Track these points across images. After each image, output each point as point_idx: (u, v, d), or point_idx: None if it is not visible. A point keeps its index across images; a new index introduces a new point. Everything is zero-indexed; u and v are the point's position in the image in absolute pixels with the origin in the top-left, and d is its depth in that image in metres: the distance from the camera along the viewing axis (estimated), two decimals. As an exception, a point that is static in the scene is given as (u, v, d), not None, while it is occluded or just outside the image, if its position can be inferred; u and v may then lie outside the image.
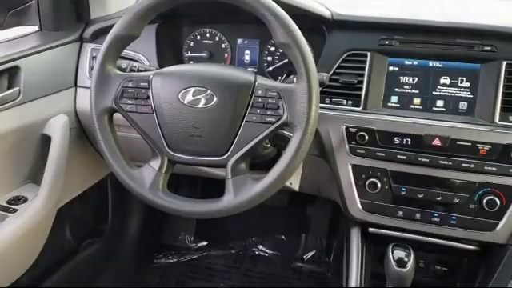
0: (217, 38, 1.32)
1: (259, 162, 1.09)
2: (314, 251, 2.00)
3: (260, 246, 2.05)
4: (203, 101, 0.92)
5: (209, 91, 0.92)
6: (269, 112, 0.89)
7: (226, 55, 1.32)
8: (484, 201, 1.03)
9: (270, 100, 0.90)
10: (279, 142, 1.05)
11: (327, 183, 1.20)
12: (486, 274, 1.12)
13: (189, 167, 1.00)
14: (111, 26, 0.96)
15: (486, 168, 1.02)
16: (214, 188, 1.01)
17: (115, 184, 1.71)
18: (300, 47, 0.86)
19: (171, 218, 2.06)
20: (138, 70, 1.12)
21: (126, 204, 1.87)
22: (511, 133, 1.01)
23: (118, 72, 0.98)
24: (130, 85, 0.96)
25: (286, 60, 1.26)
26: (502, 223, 1.03)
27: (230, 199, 0.91)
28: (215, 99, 0.91)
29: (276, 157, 1.09)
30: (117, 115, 0.98)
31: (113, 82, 0.96)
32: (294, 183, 1.29)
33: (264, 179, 0.89)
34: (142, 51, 1.27)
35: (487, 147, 1.02)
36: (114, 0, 1.44)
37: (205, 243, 2.08)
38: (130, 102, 0.96)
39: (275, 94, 0.89)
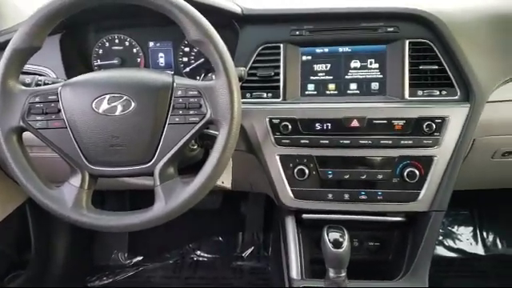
0: (127, 43, 1.27)
1: (188, 166, 1.07)
2: (252, 248, 2.01)
3: (198, 252, 2.02)
4: (120, 108, 0.88)
5: (125, 97, 0.88)
6: (191, 112, 0.88)
7: (138, 60, 1.28)
8: (405, 173, 1.09)
9: (191, 99, 0.88)
10: (206, 141, 1.04)
11: (258, 177, 1.21)
12: (414, 243, 1.19)
13: (113, 180, 0.95)
14: (9, 41, 0.89)
15: (402, 142, 1.08)
16: (144, 199, 0.97)
17: (35, 209, 1.60)
18: (214, 42, 0.85)
19: (101, 236, 1.97)
20: (45, 84, 1.04)
21: (50, 228, 1.75)
22: (421, 106, 1.08)
23: (23, 88, 0.91)
24: (38, 100, 0.89)
25: (203, 59, 1.24)
26: (423, 192, 1.10)
27: (161, 206, 0.87)
28: (133, 105, 0.88)
29: (204, 158, 1.07)
30: (28, 135, 0.91)
31: (18, 99, 0.89)
32: (226, 182, 1.28)
33: (194, 181, 0.87)
34: (47, 64, 1.19)
35: (401, 122, 1.08)
36: (10, 13, 1.33)
37: (140, 258, 2.01)
38: (39, 118, 0.89)
39: (196, 92, 0.88)
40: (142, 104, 0.88)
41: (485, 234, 1.88)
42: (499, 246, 1.86)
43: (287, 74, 1.13)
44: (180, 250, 2.01)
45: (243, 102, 1.08)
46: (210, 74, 1.05)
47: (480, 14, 1.12)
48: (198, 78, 1.23)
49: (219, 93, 0.86)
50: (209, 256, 2.01)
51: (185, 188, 0.87)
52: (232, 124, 0.86)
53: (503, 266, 1.79)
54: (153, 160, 0.89)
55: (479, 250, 1.87)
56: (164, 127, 0.88)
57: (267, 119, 1.11)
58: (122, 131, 0.88)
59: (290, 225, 1.21)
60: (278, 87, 1.13)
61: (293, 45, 1.14)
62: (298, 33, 1.13)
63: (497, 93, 1.09)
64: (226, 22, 1.16)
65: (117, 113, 0.87)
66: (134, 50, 1.27)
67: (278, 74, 1.13)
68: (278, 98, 1.13)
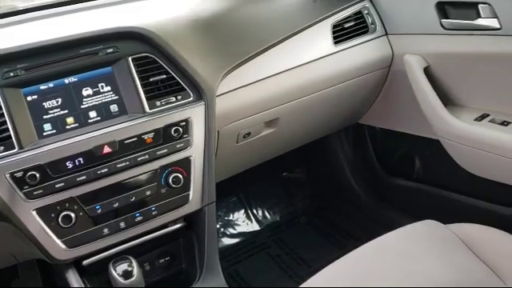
0: None
1: None
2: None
3: None
4: None
5: None
6: None
7: None
8: (170, 181, 1.12)
9: None
10: None
11: (20, 244, 1.06)
12: (199, 241, 1.24)
13: None
14: None
15: (158, 153, 1.11)
16: None
17: None
18: None
19: None
20: None
21: None
22: (163, 115, 1.12)
23: None
24: None
25: None
26: (191, 192, 1.16)
27: None
28: None
29: None
30: None
31: None
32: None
33: None
34: None
35: (151, 135, 1.10)
36: None
37: None
38: None
39: None
40: None
41: (254, 211, 2.10)
42: (268, 216, 2.11)
43: (15, 121, 1.01)
44: None
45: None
46: None
47: (184, 20, 1.24)
48: None
49: None
50: None
51: None
52: None
53: (276, 231, 2.04)
54: None
55: (255, 226, 2.08)
56: None
57: (7, 175, 0.97)
58: None
59: (74, 280, 1.11)
60: (10, 137, 1.00)
61: (11, 88, 1.02)
62: (12, 74, 1.02)
63: (221, 86, 1.21)
64: None
65: None
66: None
67: (3, 122, 1.00)
68: (13, 148, 1.00)
